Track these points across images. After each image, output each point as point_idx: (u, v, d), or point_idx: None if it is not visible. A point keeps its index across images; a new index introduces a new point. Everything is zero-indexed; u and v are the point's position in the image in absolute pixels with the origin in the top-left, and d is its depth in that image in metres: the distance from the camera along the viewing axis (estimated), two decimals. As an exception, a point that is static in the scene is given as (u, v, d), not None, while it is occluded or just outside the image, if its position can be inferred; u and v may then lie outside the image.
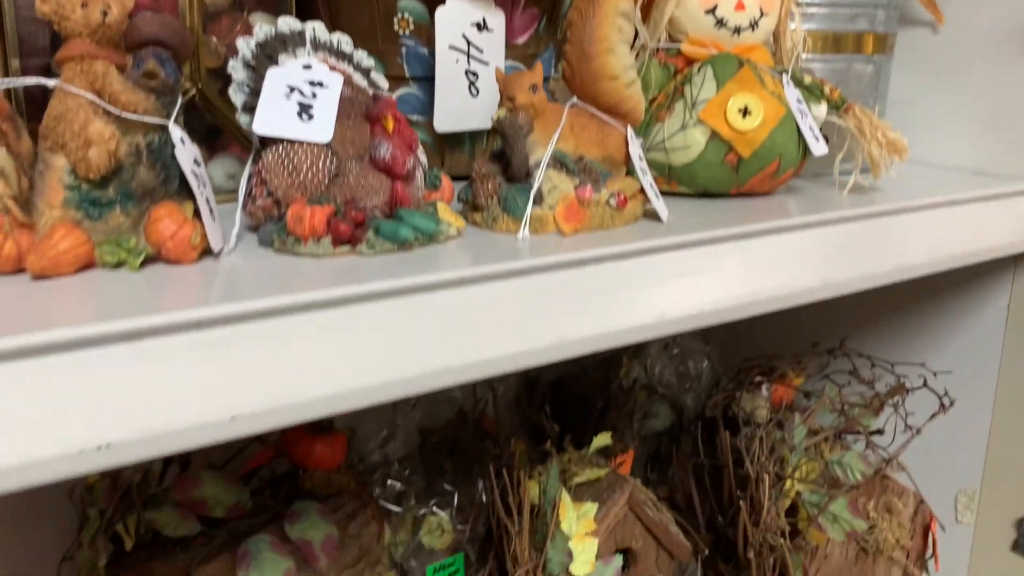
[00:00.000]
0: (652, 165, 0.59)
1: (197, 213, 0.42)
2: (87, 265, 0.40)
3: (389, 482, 0.76)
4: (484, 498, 0.76)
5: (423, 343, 0.40)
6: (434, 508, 0.77)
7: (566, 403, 0.90)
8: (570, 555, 0.65)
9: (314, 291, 0.36)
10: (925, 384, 0.74)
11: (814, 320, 0.84)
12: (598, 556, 0.68)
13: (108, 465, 0.31)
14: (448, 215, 0.47)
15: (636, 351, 0.86)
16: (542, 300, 0.44)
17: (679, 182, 0.60)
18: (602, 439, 0.74)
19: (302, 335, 0.36)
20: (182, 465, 0.67)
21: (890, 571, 0.73)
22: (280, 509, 0.66)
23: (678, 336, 0.90)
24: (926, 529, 0.73)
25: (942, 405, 0.70)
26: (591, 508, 0.69)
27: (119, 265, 0.40)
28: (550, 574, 0.66)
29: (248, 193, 0.46)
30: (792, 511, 0.71)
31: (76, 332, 0.31)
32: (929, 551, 0.73)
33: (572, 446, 0.76)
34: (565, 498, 0.67)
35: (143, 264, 0.40)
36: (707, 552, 0.77)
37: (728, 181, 0.60)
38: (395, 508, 0.76)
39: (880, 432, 0.74)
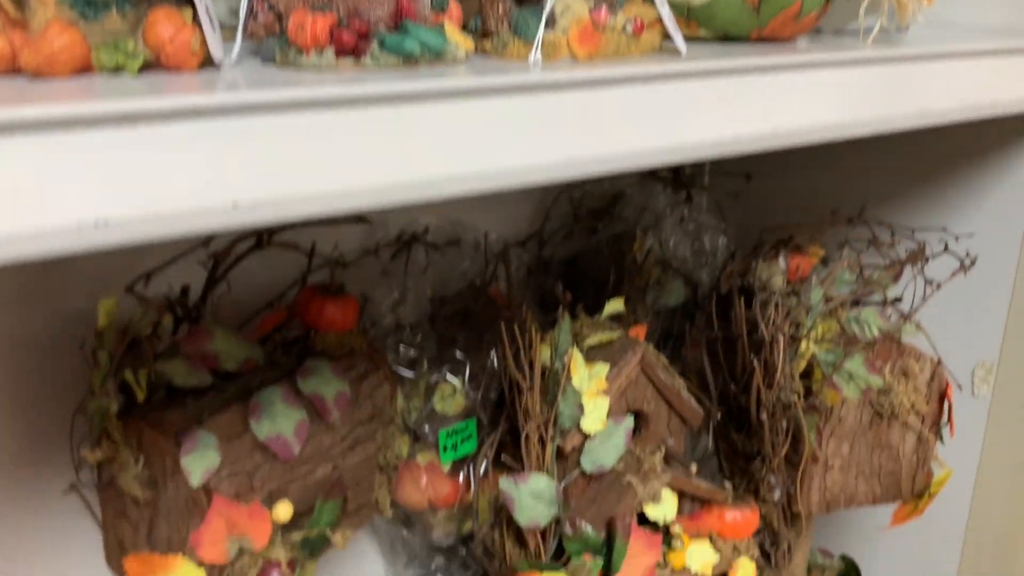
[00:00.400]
0: (671, 5, 0.57)
1: (196, 20, 0.40)
2: (84, 68, 0.38)
3: (401, 348, 0.76)
4: (496, 365, 0.76)
5: (425, 150, 0.38)
6: (447, 375, 0.78)
7: (579, 282, 0.90)
8: (581, 409, 0.65)
9: (316, 88, 0.35)
10: (946, 248, 0.72)
11: (834, 192, 0.82)
12: (609, 416, 0.68)
13: (105, 243, 0.30)
14: (456, 35, 0.46)
15: (651, 224, 0.85)
16: (553, 118, 0.42)
17: (698, 23, 0.58)
18: (615, 305, 0.73)
19: (304, 132, 0.35)
20: (192, 325, 0.67)
21: (904, 436, 0.73)
22: (292, 366, 0.66)
23: (694, 211, 0.88)
24: (942, 395, 0.72)
25: (962, 265, 0.68)
26: (602, 368, 0.68)
27: (117, 69, 0.39)
28: (561, 428, 0.66)
29: (250, 11, 0.45)
30: (807, 375, 0.70)
31: (75, 109, 0.30)
32: (944, 417, 0.73)
33: (584, 314, 0.75)
34: (576, 355, 0.67)
35: (142, 69, 0.39)
36: (719, 417, 0.77)
37: (748, 22, 0.57)
38: (407, 373, 0.76)
39: (899, 300, 0.73)
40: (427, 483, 0.78)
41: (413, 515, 0.81)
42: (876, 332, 0.66)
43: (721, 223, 0.88)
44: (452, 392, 0.77)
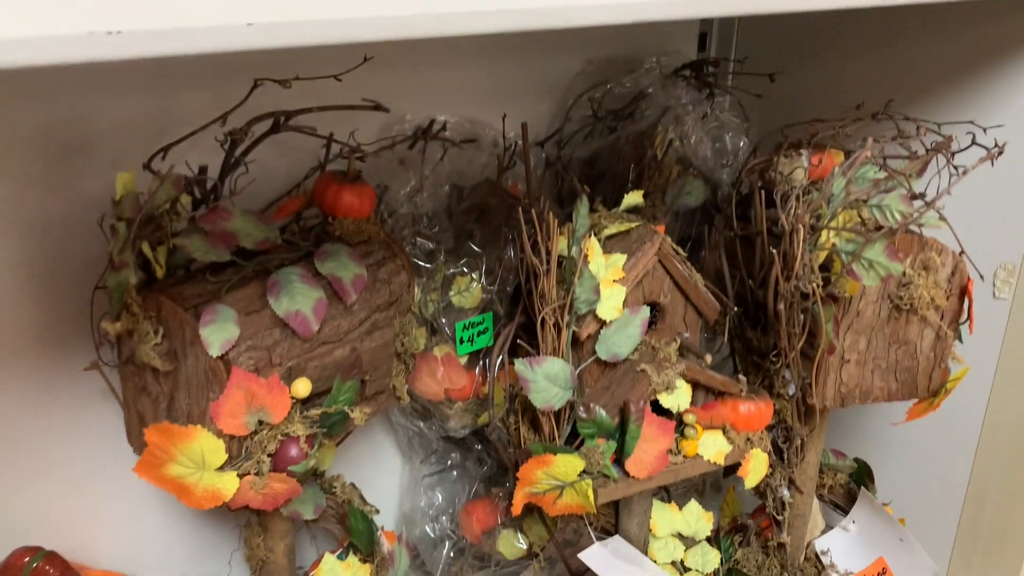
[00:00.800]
0: None
1: None
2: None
3: (419, 240, 0.76)
4: (513, 257, 0.76)
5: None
6: (463, 269, 0.78)
7: (598, 181, 0.89)
8: (597, 293, 0.65)
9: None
10: (974, 141, 0.71)
11: (859, 92, 0.80)
12: (625, 305, 0.68)
13: (116, 55, 0.30)
14: None
15: (672, 120, 0.83)
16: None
17: None
18: (633, 197, 0.73)
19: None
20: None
21: (922, 332, 0.73)
22: (310, 249, 0.66)
23: (716, 109, 0.87)
24: (963, 290, 0.71)
25: (989, 153, 0.67)
26: (619, 258, 0.68)
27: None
28: (577, 314, 0.66)
29: None
30: (826, 268, 0.70)
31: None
32: (964, 314, 0.72)
33: (603, 207, 0.75)
34: (593, 242, 0.66)
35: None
36: (736, 314, 0.76)
37: None
38: (425, 265, 0.76)
39: (923, 195, 0.72)
40: (443, 374, 0.79)
41: (430, 406, 0.82)
42: (898, 218, 0.65)
43: (744, 123, 0.87)
44: (469, 285, 0.78)
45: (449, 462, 0.92)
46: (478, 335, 0.79)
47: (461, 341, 0.78)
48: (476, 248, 0.78)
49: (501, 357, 0.74)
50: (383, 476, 0.96)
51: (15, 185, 0.65)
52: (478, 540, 0.88)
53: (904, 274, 0.69)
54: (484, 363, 0.80)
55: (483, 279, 0.77)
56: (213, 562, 0.82)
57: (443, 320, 0.78)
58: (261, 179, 0.70)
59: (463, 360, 0.79)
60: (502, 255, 0.77)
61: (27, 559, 0.66)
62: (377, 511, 0.79)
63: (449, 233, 0.76)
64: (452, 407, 0.81)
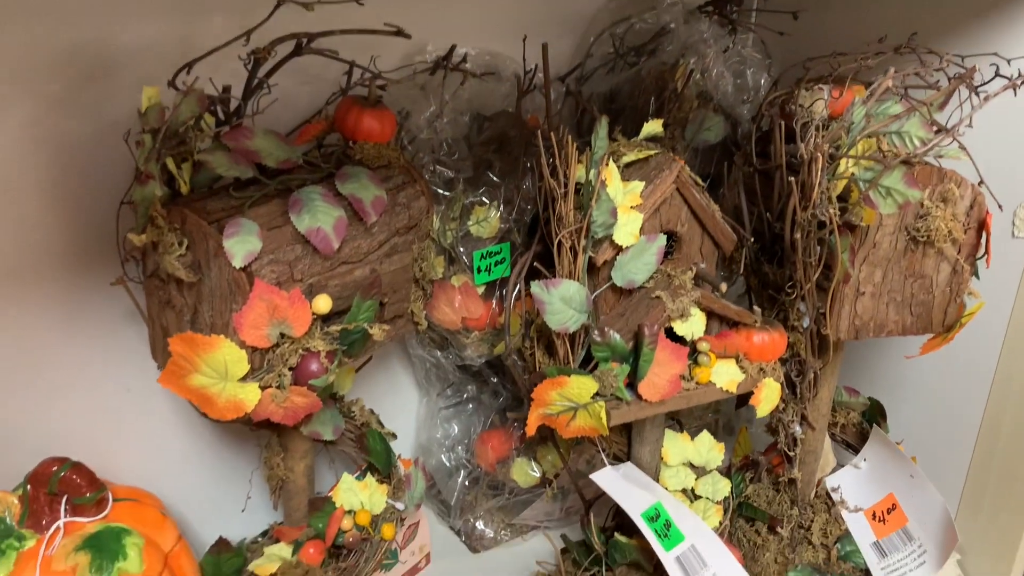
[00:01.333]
0: None
1: None
2: None
3: (438, 167, 0.76)
4: (531, 186, 0.77)
5: None
6: (482, 198, 0.78)
7: (618, 115, 0.89)
8: (614, 215, 0.65)
9: None
10: (997, 73, 0.70)
11: (882, 29, 0.79)
12: (642, 233, 0.69)
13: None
14: None
15: (693, 55, 0.83)
16: None
17: None
18: (653, 126, 0.73)
19: None
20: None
21: (939, 266, 0.73)
22: (331, 170, 0.67)
23: (739, 44, 0.86)
24: (981, 224, 0.71)
25: (1011, 82, 0.66)
26: (637, 185, 0.68)
27: None
28: (594, 237, 0.66)
29: None
30: (844, 199, 0.70)
31: None
32: (981, 249, 0.72)
33: (622, 136, 0.75)
34: (611, 166, 0.67)
35: None
36: (752, 248, 0.77)
37: None
38: (444, 193, 0.77)
39: (944, 128, 0.72)
40: (461, 303, 0.80)
41: (447, 335, 0.83)
42: (918, 144, 0.65)
43: (766, 59, 0.87)
44: (487, 215, 0.78)
45: (465, 395, 0.94)
46: (495, 265, 0.80)
47: (478, 271, 0.79)
48: (495, 178, 0.79)
49: (518, 286, 0.75)
50: (400, 410, 0.98)
51: (41, 106, 0.66)
52: (493, 469, 0.90)
53: (922, 205, 0.69)
54: (501, 294, 0.81)
55: (501, 209, 0.78)
56: (234, 483, 0.85)
57: (461, 249, 0.78)
58: (284, 106, 0.70)
59: (480, 290, 0.80)
60: (520, 185, 0.78)
61: (55, 468, 0.68)
62: (394, 436, 0.81)
63: (468, 162, 0.77)
64: (469, 336, 0.82)
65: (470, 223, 0.78)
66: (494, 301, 0.81)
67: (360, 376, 0.81)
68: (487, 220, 0.78)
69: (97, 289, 0.72)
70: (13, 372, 0.71)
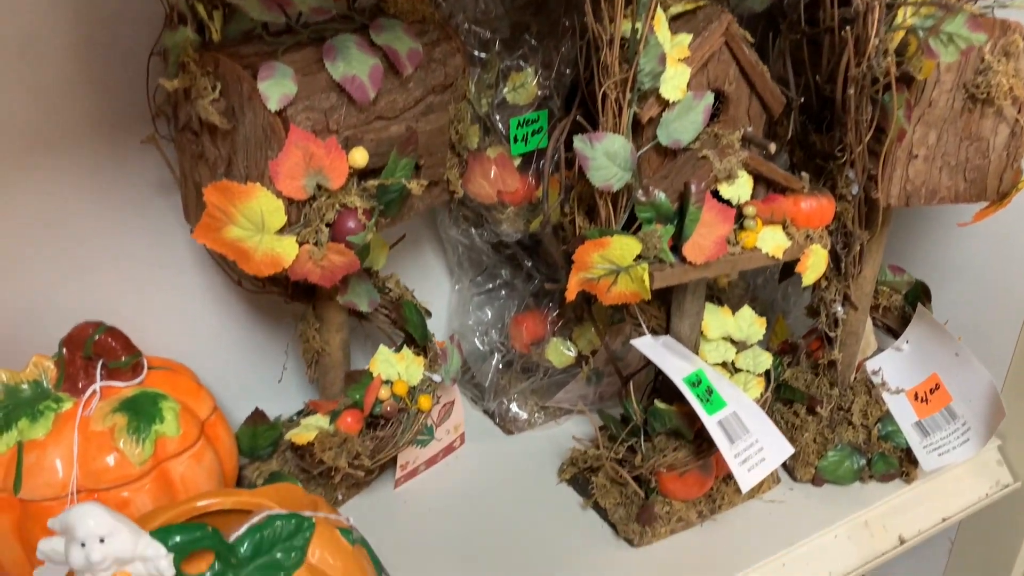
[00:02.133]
0: None
1: None
2: None
3: (474, 27, 0.73)
4: (569, 47, 0.74)
5: None
6: (519, 62, 0.76)
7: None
8: (663, 62, 0.63)
9: None
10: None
11: None
12: (690, 88, 0.66)
13: None
14: None
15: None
16: None
17: None
18: (698, -16, 0.70)
19: None
20: None
21: (997, 128, 0.70)
22: (365, 21, 0.65)
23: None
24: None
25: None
26: (685, 37, 0.65)
27: None
28: (640, 89, 0.64)
29: None
30: (900, 53, 0.67)
31: None
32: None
33: (666, -6, 0.72)
34: (660, 13, 0.64)
35: None
36: (802, 100, 0.74)
37: None
38: (479, 55, 0.74)
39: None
40: (496, 175, 0.78)
41: (482, 210, 0.81)
42: (985, -16, 0.61)
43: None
44: (524, 80, 0.76)
45: (498, 280, 0.92)
46: (532, 134, 0.77)
47: (515, 140, 0.76)
48: (532, 42, 0.76)
49: (557, 153, 0.73)
50: (432, 297, 0.96)
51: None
52: (527, 350, 0.88)
53: (982, 60, 0.66)
54: (538, 167, 0.79)
55: (539, 74, 0.75)
56: (268, 359, 0.84)
57: (496, 117, 0.76)
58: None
59: (516, 162, 0.78)
60: (560, 46, 0.75)
61: (90, 331, 0.67)
62: (429, 313, 0.79)
63: (505, 22, 0.74)
64: (504, 211, 0.80)
65: (506, 90, 0.76)
66: (530, 175, 0.79)
67: (391, 262, 0.80)
68: (524, 86, 0.75)
69: (127, 157, 0.70)
70: (41, 244, 0.70)
